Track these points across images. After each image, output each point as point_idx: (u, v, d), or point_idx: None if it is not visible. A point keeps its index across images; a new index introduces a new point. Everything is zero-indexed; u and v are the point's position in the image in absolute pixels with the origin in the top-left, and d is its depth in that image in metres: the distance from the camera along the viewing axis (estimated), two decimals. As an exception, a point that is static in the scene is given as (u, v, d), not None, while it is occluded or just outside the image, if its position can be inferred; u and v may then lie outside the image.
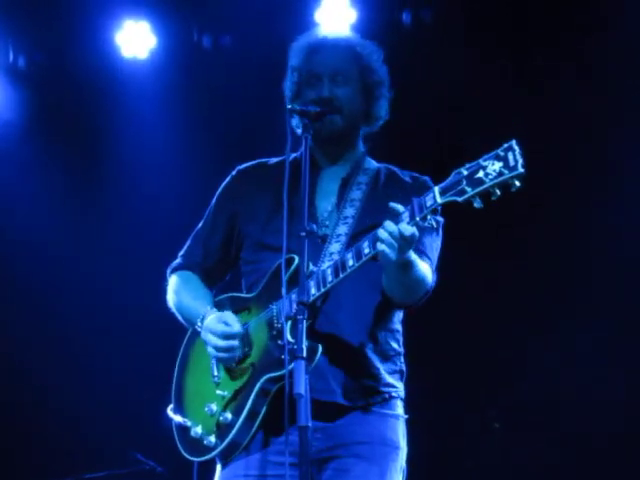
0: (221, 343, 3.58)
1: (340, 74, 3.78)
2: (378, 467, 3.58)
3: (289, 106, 3.61)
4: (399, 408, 3.72)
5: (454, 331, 7.19)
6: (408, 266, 3.38)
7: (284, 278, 3.41)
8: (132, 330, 7.56)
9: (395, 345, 3.73)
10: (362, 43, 3.90)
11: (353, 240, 3.54)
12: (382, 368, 3.66)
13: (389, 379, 3.67)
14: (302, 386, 3.09)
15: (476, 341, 7.20)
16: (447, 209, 3.34)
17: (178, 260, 4.03)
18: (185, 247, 4.04)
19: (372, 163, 3.92)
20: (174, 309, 3.93)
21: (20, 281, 7.91)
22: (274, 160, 3.96)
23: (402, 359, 3.77)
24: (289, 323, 3.37)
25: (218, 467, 3.72)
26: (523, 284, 7.18)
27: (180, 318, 3.91)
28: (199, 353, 3.78)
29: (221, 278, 4.01)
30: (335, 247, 3.59)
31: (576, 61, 6.88)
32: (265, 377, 3.51)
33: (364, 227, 3.57)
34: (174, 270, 4.01)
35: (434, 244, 3.71)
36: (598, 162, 6.96)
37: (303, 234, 3.32)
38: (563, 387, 7.01)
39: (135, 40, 7.67)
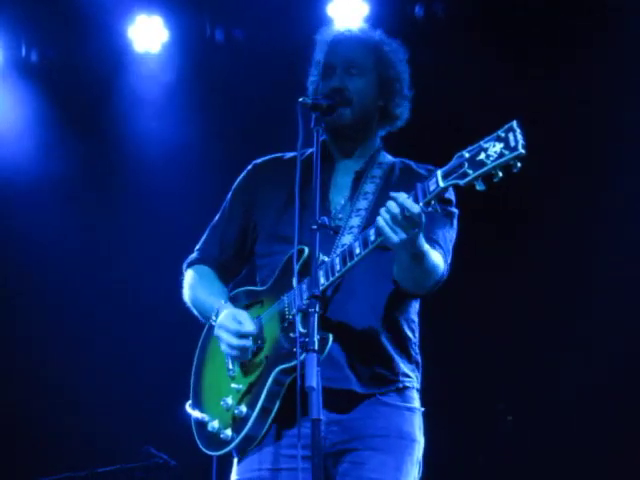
0: (235, 342, 3.59)
1: (354, 66, 3.76)
2: (394, 460, 3.58)
3: (300, 99, 3.59)
4: (415, 400, 3.71)
5: (466, 325, 7.19)
6: (420, 256, 3.37)
7: (295, 268, 3.41)
8: (145, 324, 7.57)
9: (410, 335, 3.72)
10: (384, 39, 3.88)
11: (362, 233, 3.52)
12: (397, 357, 3.65)
13: (404, 368, 3.67)
14: (314, 379, 3.09)
15: (488, 336, 7.20)
16: (461, 201, 3.32)
17: (194, 254, 4.03)
18: (201, 241, 4.05)
19: (387, 157, 3.90)
20: (189, 304, 3.94)
21: (33, 277, 7.94)
22: (289, 155, 3.96)
23: (417, 350, 3.76)
24: (300, 315, 3.37)
25: (235, 461, 3.73)
26: (538, 279, 7.17)
27: (195, 312, 3.92)
28: (215, 348, 3.78)
29: (237, 272, 4.01)
30: (347, 239, 3.59)
31: (590, 54, 6.86)
32: (278, 369, 3.51)
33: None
34: (190, 264, 4.02)
35: (447, 235, 3.69)
36: (601, 162, 6.95)
37: (314, 227, 3.32)
38: (577, 383, 7.00)
39: (148, 34, 7.68)
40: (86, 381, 7.67)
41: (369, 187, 3.75)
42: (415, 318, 3.78)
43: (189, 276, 3.98)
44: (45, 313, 7.88)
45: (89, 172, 7.90)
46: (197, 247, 4.05)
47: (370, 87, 3.78)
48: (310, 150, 3.68)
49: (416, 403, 3.71)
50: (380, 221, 3.24)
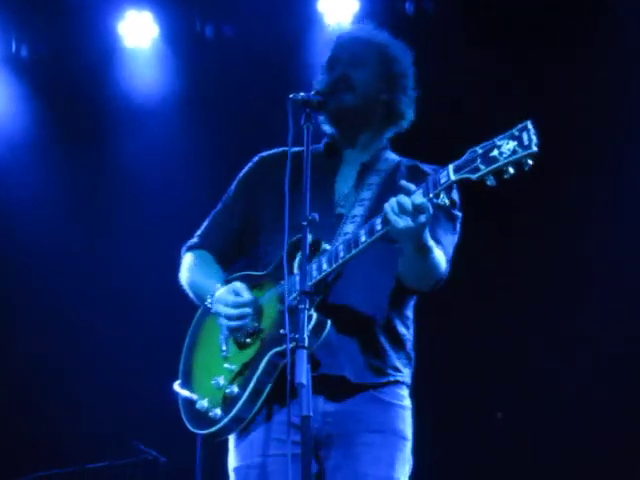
0: (233, 311, 3.60)
1: (358, 57, 3.80)
2: (388, 456, 3.60)
3: (291, 96, 3.60)
4: (406, 398, 3.73)
5: (460, 325, 7.20)
6: (425, 250, 3.41)
7: (285, 256, 3.41)
8: (135, 320, 7.57)
9: (405, 331, 3.74)
10: (392, 39, 3.92)
11: (368, 222, 3.55)
12: (390, 351, 3.67)
13: (397, 363, 3.69)
14: (304, 376, 3.10)
15: (481, 335, 7.21)
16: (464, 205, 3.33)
17: (194, 239, 4.04)
18: (202, 228, 4.06)
19: (393, 156, 3.93)
20: (186, 286, 3.94)
21: (22, 271, 7.93)
22: (296, 149, 3.97)
23: (411, 346, 3.78)
24: (288, 310, 3.37)
25: (231, 447, 3.73)
26: (531, 279, 7.19)
27: (191, 294, 3.92)
28: (209, 331, 3.80)
29: (234, 261, 4.01)
30: (349, 227, 3.62)
31: (578, 49, 6.88)
32: (273, 351, 3.53)
33: (380, 210, 3.56)
34: (189, 248, 4.03)
35: (449, 237, 3.72)
36: (600, 161, 6.96)
37: (305, 223, 3.34)
38: (567, 383, 7.02)
39: (138, 30, 7.67)
40: (74, 377, 7.66)
41: (374, 179, 3.78)
42: (410, 315, 3.80)
43: (187, 259, 3.99)
44: (37, 312, 7.87)
45: (80, 168, 7.89)
46: (197, 233, 4.06)
47: (374, 79, 3.80)
48: (315, 146, 3.69)
49: (407, 401, 3.73)
50: (387, 207, 3.28)
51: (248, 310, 3.60)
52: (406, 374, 3.74)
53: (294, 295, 3.46)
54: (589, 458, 6.93)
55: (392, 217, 3.27)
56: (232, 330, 3.65)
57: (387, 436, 3.61)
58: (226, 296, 3.64)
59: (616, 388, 6.96)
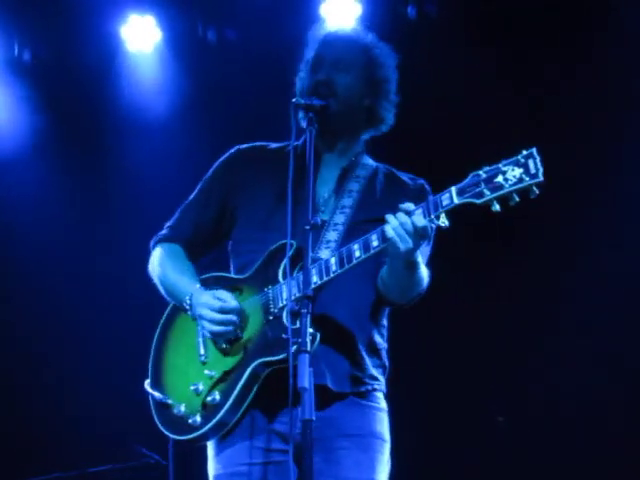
0: (218, 316, 3.57)
1: (342, 61, 3.77)
2: (369, 459, 3.61)
3: (294, 100, 3.59)
4: (383, 402, 3.75)
5: (455, 328, 7.19)
6: (414, 266, 3.42)
7: (287, 264, 3.42)
8: (137, 321, 7.55)
9: (380, 340, 3.77)
10: (376, 42, 3.89)
11: (349, 230, 3.58)
12: (368, 360, 3.69)
13: (373, 372, 3.71)
14: (306, 380, 3.10)
15: (478, 337, 7.20)
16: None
17: (165, 231, 3.99)
18: (173, 219, 4.00)
19: (370, 161, 3.92)
20: (157, 281, 3.88)
21: (23, 271, 7.92)
22: (275, 145, 3.96)
23: (385, 354, 3.80)
24: (289, 314, 3.36)
25: (210, 455, 3.71)
26: (526, 280, 7.18)
27: (162, 291, 3.86)
28: (182, 329, 3.77)
29: (204, 254, 3.98)
30: (332, 235, 3.61)
31: (579, 52, 6.88)
32: (258, 361, 3.52)
33: (360, 219, 3.62)
34: (160, 241, 3.97)
35: (425, 250, 3.69)
36: (598, 162, 6.96)
37: (308, 227, 3.32)
38: (565, 384, 7.01)
39: (140, 34, 7.68)
40: (76, 381, 7.66)
41: (353, 185, 3.76)
42: (385, 323, 3.82)
43: (158, 253, 3.93)
44: (37, 312, 7.87)
45: (81, 171, 7.89)
46: (168, 224, 4.00)
47: (357, 84, 3.77)
48: (296, 143, 3.63)
49: (384, 404, 3.75)
50: (389, 231, 3.27)
51: (234, 318, 3.58)
52: (382, 382, 3.76)
53: (280, 305, 3.48)
54: (589, 458, 6.93)
55: (394, 238, 3.26)
56: (215, 335, 3.62)
57: (366, 439, 3.62)
58: (211, 301, 3.60)
59: (616, 388, 6.96)
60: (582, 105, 6.88)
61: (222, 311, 3.58)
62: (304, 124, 3.60)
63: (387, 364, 3.79)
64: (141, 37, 7.69)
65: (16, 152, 7.93)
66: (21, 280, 7.95)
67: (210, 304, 3.60)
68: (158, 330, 3.89)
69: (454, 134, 6.89)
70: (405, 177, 3.85)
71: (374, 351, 3.72)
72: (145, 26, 7.65)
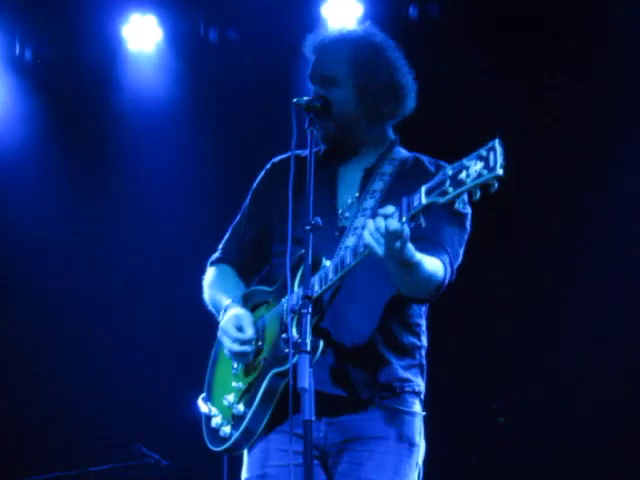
0: (235, 348, 3.64)
1: (329, 79, 3.71)
2: (392, 462, 3.58)
3: (294, 100, 3.58)
4: (415, 405, 3.68)
5: (455, 328, 7.19)
6: (410, 266, 3.32)
7: (288, 273, 3.42)
8: (139, 323, 7.57)
9: (413, 339, 3.70)
10: (364, 41, 3.78)
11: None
12: (396, 362, 3.63)
13: (404, 373, 3.65)
14: (306, 380, 3.10)
15: (480, 336, 7.20)
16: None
17: (217, 253, 4.05)
18: (223, 240, 4.06)
19: (402, 152, 3.83)
20: (207, 302, 3.95)
21: (24, 271, 7.92)
22: (306, 153, 3.92)
23: (422, 353, 3.74)
24: (294, 317, 3.35)
25: (244, 459, 3.76)
26: (528, 278, 7.18)
27: (213, 311, 3.92)
28: None
29: (259, 270, 3.98)
30: (351, 240, 3.55)
31: (580, 52, 6.88)
32: (272, 372, 3.54)
33: None
34: (212, 263, 4.04)
35: (456, 236, 3.64)
36: (598, 162, 6.95)
37: (308, 228, 3.32)
38: (568, 382, 7.01)
39: (142, 33, 7.68)
40: (77, 380, 7.65)
41: (378, 185, 3.70)
42: (421, 322, 3.75)
43: (208, 274, 4.00)
44: (37, 313, 7.87)
45: (82, 170, 7.89)
46: (219, 246, 4.06)
47: (349, 94, 3.71)
48: (317, 148, 3.65)
49: (416, 407, 3.69)
50: (365, 235, 3.20)
51: (249, 349, 3.62)
52: (415, 382, 3.69)
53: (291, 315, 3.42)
54: (589, 458, 6.93)
55: (370, 242, 3.19)
56: (234, 359, 3.72)
57: (392, 442, 3.59)
58: (230, 329, 3.64)
59: (617, 388, 6.96)
60: (583, 105, 6.88)
61: (239, 342, 3.63)
62: (308, 124, 3.57)
63: (425, 364, 3.74)
64: (142, 36, 7.68)
65: (17, 151, 7.92)
66: (22, 281, 7.95)
67: (229, 333, 3.65)
68: (214, 347, 3.95)
69: (455, 134, 6.88)
70: (432, 166, 3.74)
71: (404, 351, 3.66)
72: (146, 25, 7.65)
